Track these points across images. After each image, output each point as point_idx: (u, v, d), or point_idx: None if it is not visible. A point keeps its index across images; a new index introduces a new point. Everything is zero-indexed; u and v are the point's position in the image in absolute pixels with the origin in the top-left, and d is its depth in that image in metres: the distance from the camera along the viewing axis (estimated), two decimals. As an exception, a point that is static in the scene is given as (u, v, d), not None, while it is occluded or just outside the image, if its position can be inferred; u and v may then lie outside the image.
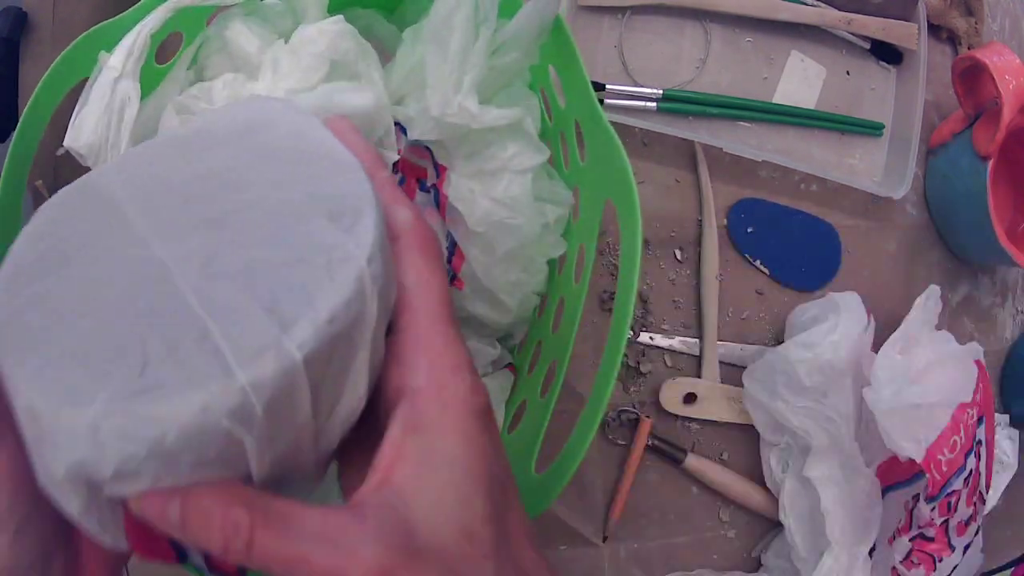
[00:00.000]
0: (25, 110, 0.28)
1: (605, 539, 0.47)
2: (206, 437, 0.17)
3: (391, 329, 0.20)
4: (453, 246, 0.36)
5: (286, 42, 0.32)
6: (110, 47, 0.31)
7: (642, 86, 0.50)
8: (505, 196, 0.34)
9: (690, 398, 0.49)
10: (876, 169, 0.55)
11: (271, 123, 0.24)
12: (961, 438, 0.44)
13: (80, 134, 0.29)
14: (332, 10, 0.39)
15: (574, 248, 0.36)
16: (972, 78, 0.51)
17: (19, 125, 0.28)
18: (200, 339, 0.17)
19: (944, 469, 0.43)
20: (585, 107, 0.29)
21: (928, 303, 0.49)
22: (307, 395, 0.18)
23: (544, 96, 0.37)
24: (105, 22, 0.30)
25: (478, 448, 0.18)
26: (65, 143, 0.30)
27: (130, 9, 0.31)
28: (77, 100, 0.31)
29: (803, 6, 0.52)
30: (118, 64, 0.30)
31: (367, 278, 0.19)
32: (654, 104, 0.50)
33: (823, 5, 0.53)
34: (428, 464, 0.18)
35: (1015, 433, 0.57)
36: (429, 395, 0.19)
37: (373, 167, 0.21)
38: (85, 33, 0.30)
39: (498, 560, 0.18)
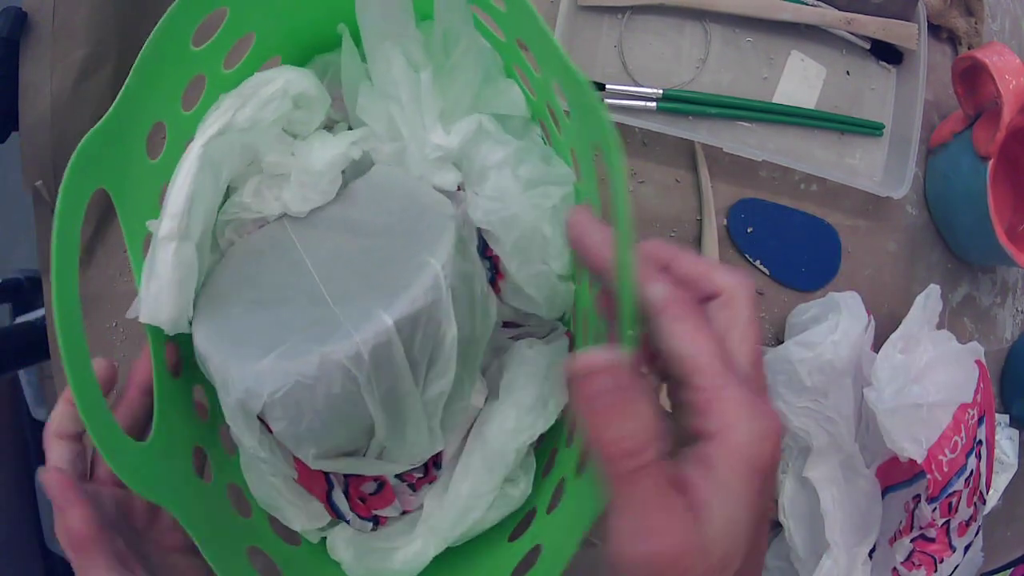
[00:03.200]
0: (53, 243, 0.26)
1: (605, 539, 0.47)
2: (332, 371, 0.27)
3: (686, 386, 0.23)
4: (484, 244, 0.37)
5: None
6: (110, 152, 0.29)
7: (642, 86, 0.50)
8: (493, 191, 0.35)
9: (690, 398, 0.49)
10: (876, 169, 0.55)
11: (394, 184, 0.37)
12: (962, 438, 0.44)
13: (159, 313, 0.31)
14: (304, 58, 0.40)
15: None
16: (972, 78, 0.51)
17: (53, 264, 0.26)
18: (331, 317, 0.29)
19: (945, 469, 0.43)
20: (554, 62, 0.29)
21: (928, 303, 0.49)
22: (400, 347, 0.28)
23: (521, 74, 0.37)
24: (95, 130, 0.28)
25: (750, 497, 0.21)
26: (143, 319, 0.31)
27: (117, 102, 0.29)
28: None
29: (803, 6, 0.52)
30: (172, 232, 0.31)
31: (441, 276, 0.29)
32: (654, 104, 0.50)
33: (823, 5, 0.53)
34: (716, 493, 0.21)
35: (1015, 433, 0.57)
36: (719, 441, 0.22)
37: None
38: (81, 144, 0.28)
39: None
